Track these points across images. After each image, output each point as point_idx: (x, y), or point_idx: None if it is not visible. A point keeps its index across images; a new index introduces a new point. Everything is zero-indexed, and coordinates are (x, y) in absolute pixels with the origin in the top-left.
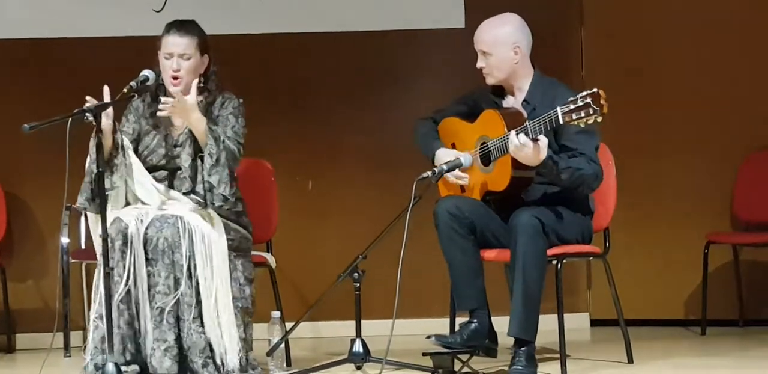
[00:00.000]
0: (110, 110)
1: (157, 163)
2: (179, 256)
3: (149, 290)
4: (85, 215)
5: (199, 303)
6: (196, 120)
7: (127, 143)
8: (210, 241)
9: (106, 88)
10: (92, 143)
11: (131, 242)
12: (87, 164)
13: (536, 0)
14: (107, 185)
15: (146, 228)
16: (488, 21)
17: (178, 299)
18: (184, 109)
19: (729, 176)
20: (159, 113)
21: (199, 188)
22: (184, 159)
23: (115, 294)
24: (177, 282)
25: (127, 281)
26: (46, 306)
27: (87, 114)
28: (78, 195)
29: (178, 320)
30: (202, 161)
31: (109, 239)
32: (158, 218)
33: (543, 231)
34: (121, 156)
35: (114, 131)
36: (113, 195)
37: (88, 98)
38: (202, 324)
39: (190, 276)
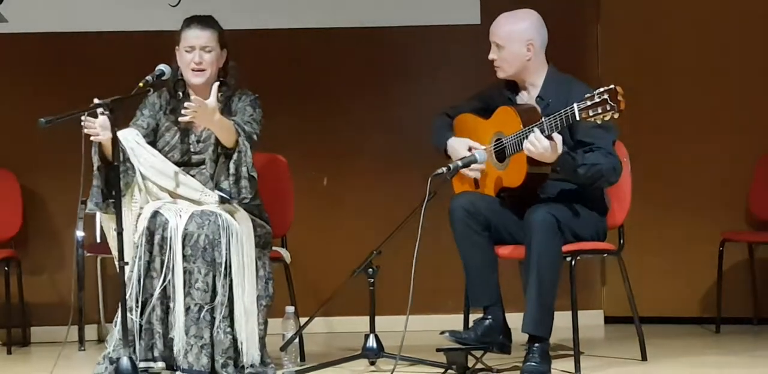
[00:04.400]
0: (107, 122)
1: (178, 160)
2: (218, 254)
3: (184, 286)
4: (103, 232)
5: (230, 301)
6: (218, 122)
7: (134, 142)
8: (242, 239)
9: (96, 101)
10: (94, 150)
11: (170, 238)
12: (94, 168)
13: None
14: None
15: (186, 224)
16: (506, 15)
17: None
18: (205, 113)
19: (745, 175)
20: (181, 119)
21: (225, 184)
22: (209, 166)
23: (153, 289)
24: (215, 280)
25: (165, 276)
26: (60, 300)
27: (103, 108)
28: (88, 200)
29: (212, 318)
30: (225, 159)
31: (146, 233)
32: (198, 214)
33: (558, 228)
34: (126, 164)
35: (114, 142)
36: (125, 201)
37: (96, 100)
38: (230, 324)
39: (225, 275)
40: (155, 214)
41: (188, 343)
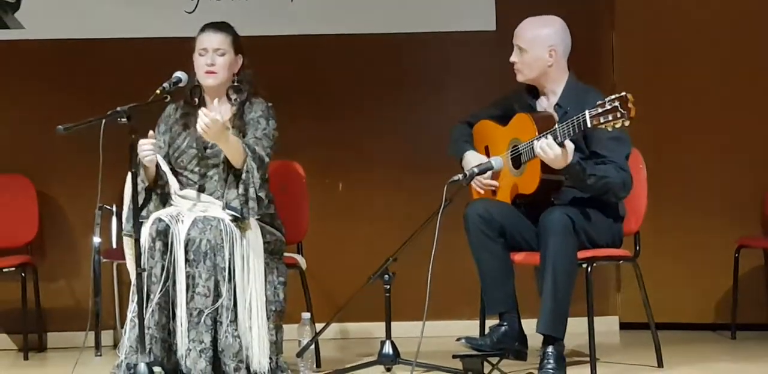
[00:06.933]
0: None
1: (187, 164)
2: (220, 259)
3: (187, 290)
4: (120, 238)
5: (236, 306)
6: (226, 141)
7: (164, 168)
8: (248, 244)
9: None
10: (141, 176)
11: (171, 243)
12: (126, 194)
13: (568, 3)
14: (143, 212)
15: (188, 229)
16: (532, 19)
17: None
18: (217, 130)
19: (760, 180)
20: (197, 125)
21: (235, 203)
22: (219, 185)
23: (151, 294)
24: (217, 285)
25: (166, 281)
26: (77, 305)
27: (120, 115)
28: (124, 221)
29: (214, 322)
30: (234, 179)
31: (149, 239)
32: (200, 219)
33: (573, 230)
34: (165, 188)
35: (156, 166)
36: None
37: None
38: (237, 328)
39: (229, 280)
40: (156, 220)
41: (187, 348)
